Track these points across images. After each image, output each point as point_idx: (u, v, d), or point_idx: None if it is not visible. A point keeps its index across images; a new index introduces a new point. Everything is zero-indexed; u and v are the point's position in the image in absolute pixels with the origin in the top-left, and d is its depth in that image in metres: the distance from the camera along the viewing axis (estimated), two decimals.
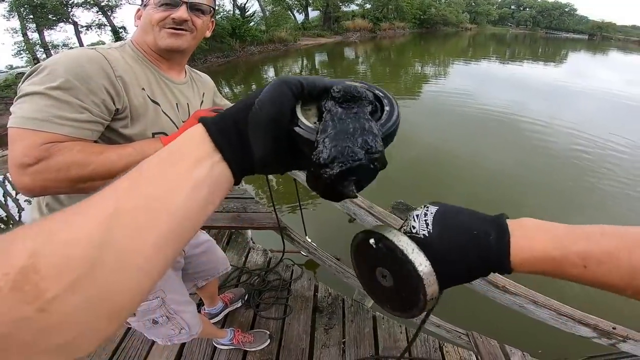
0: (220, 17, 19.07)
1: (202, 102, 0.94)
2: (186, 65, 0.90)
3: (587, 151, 6.39)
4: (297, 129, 0.26)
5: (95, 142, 0.66)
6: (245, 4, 23.75)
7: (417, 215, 0.33)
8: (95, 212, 0.20)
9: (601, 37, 53.34)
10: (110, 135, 0.69)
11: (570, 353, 1.57)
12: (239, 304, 1.77)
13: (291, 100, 0.27)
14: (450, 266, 0.30)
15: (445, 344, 1.69)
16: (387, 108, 0.30)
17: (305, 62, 17.71)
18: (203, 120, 0.26)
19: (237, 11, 22.37)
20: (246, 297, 1.82)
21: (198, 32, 0.79)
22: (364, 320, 1.79)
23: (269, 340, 1.61)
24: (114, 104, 0.65)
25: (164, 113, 0.77)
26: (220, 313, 1.68)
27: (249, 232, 2.29)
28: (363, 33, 31.37)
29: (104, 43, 0.91)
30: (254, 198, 2.06)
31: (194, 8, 0.75)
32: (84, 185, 0.60)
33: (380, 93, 0.31)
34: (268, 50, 20.01)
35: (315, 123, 0.27)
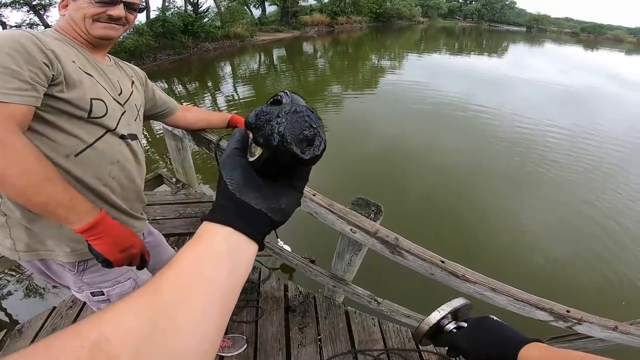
0: (171, 14, 18.02)
1: (132, 82, 0.99)
2: (111, 56, 0.98)
3: (529, 136, 7.01)
4: (254, 166, 0.32)
5: (38, 109, 0.69)
6: (198, 0, 22.64)
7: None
8: (142, 294, 0.25)
9: (537, 29, 58.41)
10: (48, 102, 0.71)
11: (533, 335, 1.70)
12: None
13: (239, 156, 0.33)
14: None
15: None
16: (281, 97, 0.34)
17: (263, 57, 17.32)
18: (203, 217, 0.32)
19: (189, 7, 21.25)
20: None
21: (128, 26, 0.88)
22: (336, 315, 1.81)
23: (246, 345, 1.58)
24: (50, 69, 0.69)
25: (100, 84, 0.82)
26: None
27: None
28: (321, 28, 31.37)
29: None
30: (212, 202, 1.96)
31: (129, 7, 0.85)
32: None
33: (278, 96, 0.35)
34: (224, 46, 19.31)
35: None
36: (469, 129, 7.09)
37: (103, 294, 0.91)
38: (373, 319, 1.81)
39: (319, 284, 1.89)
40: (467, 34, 38.72)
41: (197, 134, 1.40)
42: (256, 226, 0.31)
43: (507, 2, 59.36)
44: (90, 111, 0.76)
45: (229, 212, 0.30)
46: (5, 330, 1.63)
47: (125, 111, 0.88)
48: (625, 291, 3.34)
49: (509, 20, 59.50)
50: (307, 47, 20.58)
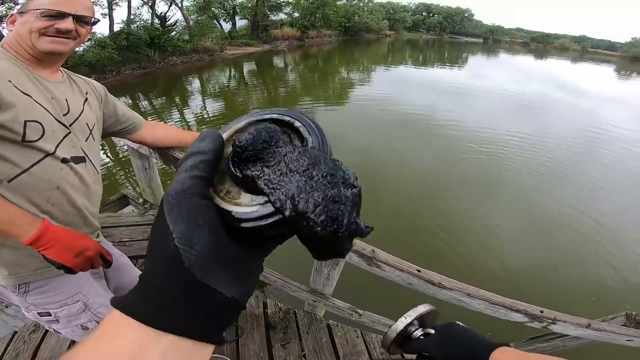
0: (137, 27, 17.55)
1: (85, 99, 0.95)
2: (65, 70, 0.95)
3: (489, 143, 7.46)
4: (245, 224, 0.20)
5: None
6: (165, 13, 22.19)
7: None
8: None
9: (493, 40, 62.97)
10: None
11: (515, 337, 1.77)
12: None
13: (205, 197, 0.21)
14: None
15: None
16: (302, 130, 0.24)
17: (233, 72, 17.27)
18: (117, 305, 0.19)
19: (156, 20, 20.80)
20: None
21: (81, 39, 0.86)
22: (319, 330, 1.78)
23: None
24: None
25: (39, 104, 0.78)
26: None
27: None
28: (291, 41, 31.84)
29: None
30: None
31: (80, 20, 0.82)
32: None
33: (287, 117, 0.25)
34: (192, 60, 19.02)
35: (251, 201, 0.21)
36: (435, 139, 7.46)
37: (50, 315, 0.89)
38: (355, 330, 1.81)
39: (299, 299, 1.86)
40: (431, 46, 40.96)
41: (164, 152, 1.36)
42: (220, 321, 0.20)
43: (465, 15, 63.56)
44: (24, 134, 0.72)
45: (177, 304, 0.18)
46: None
47: (70, 132, 0.84)
48: (594, 288, 3.57)
49: (468, 32, 63.73)
50: (278, 61, 20.79)
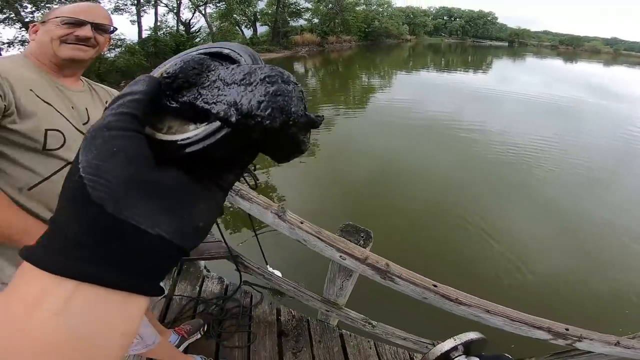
0: (163, 33, 18.32)
1: (105, 108, 0.94)
2: (86, 79, 0.97)
3: (518, 150, 7.15)
4: (191, 148, 0.18)
5: None
6: (190, 20, 23.10)
7: None
8: None
9: (519, 43, 60.87)
10: (0, 133, 0.70)
11: (538, 351, 1.68)
12: (198, 336, 1.66)
13: (133, 130, 0.18)
14: None
15: (415, 354, 1.72)
16: (232, 54, 0.23)
17: None
18: (22, 254, 0.17)
19: (181, 27, 21.66)
20: (205, 327, 1.70)
21: (100, 47, 0.88)
22: (331, 339, 1.76)
23: None
24: (1, 100, 0.67)
25: (59, 113, 0.79)
26: (178, 345, 1.55)
27: (202, 261, 2.16)
28: (312, 47, 32.17)
29: None
30: None
31: (98, 28, 0.85)
32: None
33: (214, 49, 0.24)
34: None
35: (196, 128, 0.19)
36: (458, 146, 7.22)
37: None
38: (369, 341, 1.77)
39: (313, 308, 1.85)
40: (453, 50, 40.13)
41: None
42: (148, 267, 0.17)
43: (489, 18, 61.92)
44: (45, 143, 0.74)
45: (82, 247, 0.16)
46: None
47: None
48: (626, 300, 3.33)
49: (492, 35, 61.99)
50: (299, 67, 21.02)
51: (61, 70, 0.85)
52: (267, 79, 0.18)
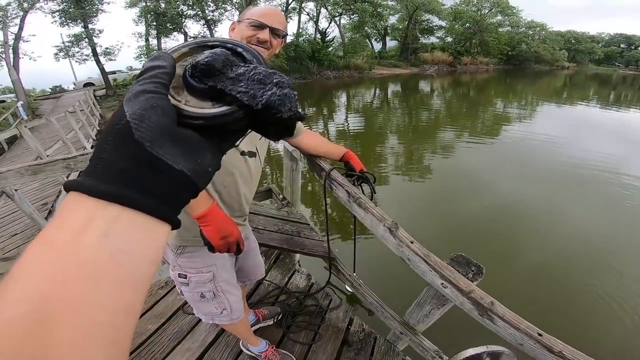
0: (303, 40, 20.60)
1: None
2: None
3: None
4: (215, 121, 0.25)
5: None
6: (326, 29, 25.37)
7: None
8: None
9: None
10: None
11: None
12: (271, 322, 1.77)
13: (165, 99, 0.22)
14: None
15: None
16: (245, 54, 0.30)
17: (377, 91, 17.77)
18: (67, 185, 0.19)
19: (318, 35, 23.93)
20: (280, 316, 1.81)
21: (273, 50, 0.96)
22: None
23: None
24: None
25: None
26: (252, 325, 1.68)
27: (297, 255, 2.30)
28: (441, 66, 30.68)
29: None
30: (309, 224, 2.08)
31: (273, 32, 0.93)
32: None
33: (229, 45, 0.30)
34: (343, 76, 20.76)
35: (212, 105, 0.26)
36: (613, 201, 5.58)
37: (186, 277, 1.03)
38: None
39: (386, 327, 1.77)
40: (629, 84, 31.39)
41: (312, 159, 1.49)
42: (172, 197, 0.21)
43: None
44: None
45: (125, 175, 0.19)
46: None
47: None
48: None
49: None
50: (424, 85, 20.33)
51: None
52: (279, 84, 0.26)
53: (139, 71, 0.25)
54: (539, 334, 0.95)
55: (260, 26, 0.91)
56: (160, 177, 0.20)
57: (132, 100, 0.21)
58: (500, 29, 36.23)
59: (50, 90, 21.35)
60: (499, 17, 35.80)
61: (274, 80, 0.26)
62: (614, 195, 5.94)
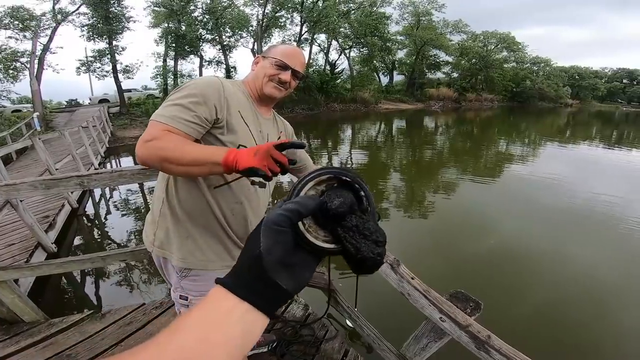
0: (312, 71, 21.26)
1: (279, 137, 1.13)
2: (273, 110, 1.13)
3: None
4: (320, 244, 0.34)
5: (197, 140, 0.85)
6: (336, 61, 26.29)
7: None
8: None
9: None
10: (208, 138, 0.88)
11: None
12: (265, 349, 1.74)
13: (289, 234, 0.32)
14: None
15: None
16: (362, 194, 0.38)
17: (382, 127, 17.77)
18: (221, 282, 0.31)
19: (327, 67, 24.69)
20: (274, 344, 1.78)
21: (290, 89, 1.02)
22: None
23: None
24: (216, 114, 0.86)
25: (251, 134, 0.95)
26: None
27: None
28: (446, 102, 31.27)
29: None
30: None
31: (295, 74, 0.98)
32: (167, 165, 0.78)
33: (356, 185, 0.38)
34: (349, 109, 21.13)
35: (324, 237, 0.35)
36: (619, 243, 5.46)
37: (187, 299, 1.05)
38: None
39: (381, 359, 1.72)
40: (632, 121, 31.47)
41: None
42: (276, 303, 0.31)
43: None
44: None
45: (253, 288, 0.30)
46: (92, 311, 1.98)
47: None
48: None
49: None
50: (429, 121, 20.51)
51: (260, 101, 1.01)
52: (378, 243, 0.34)
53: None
54: None
55: (284, 67, 0.95)
56: (272, 291, 0.30)
57: (267, 232, 0.31)
58: (505, 65, 37.07)
59: (66, 103, 22.13)
60: (505, 53, 36.71)
61: (375, 238, 0.35)
62: (618, 240, 5.83)
